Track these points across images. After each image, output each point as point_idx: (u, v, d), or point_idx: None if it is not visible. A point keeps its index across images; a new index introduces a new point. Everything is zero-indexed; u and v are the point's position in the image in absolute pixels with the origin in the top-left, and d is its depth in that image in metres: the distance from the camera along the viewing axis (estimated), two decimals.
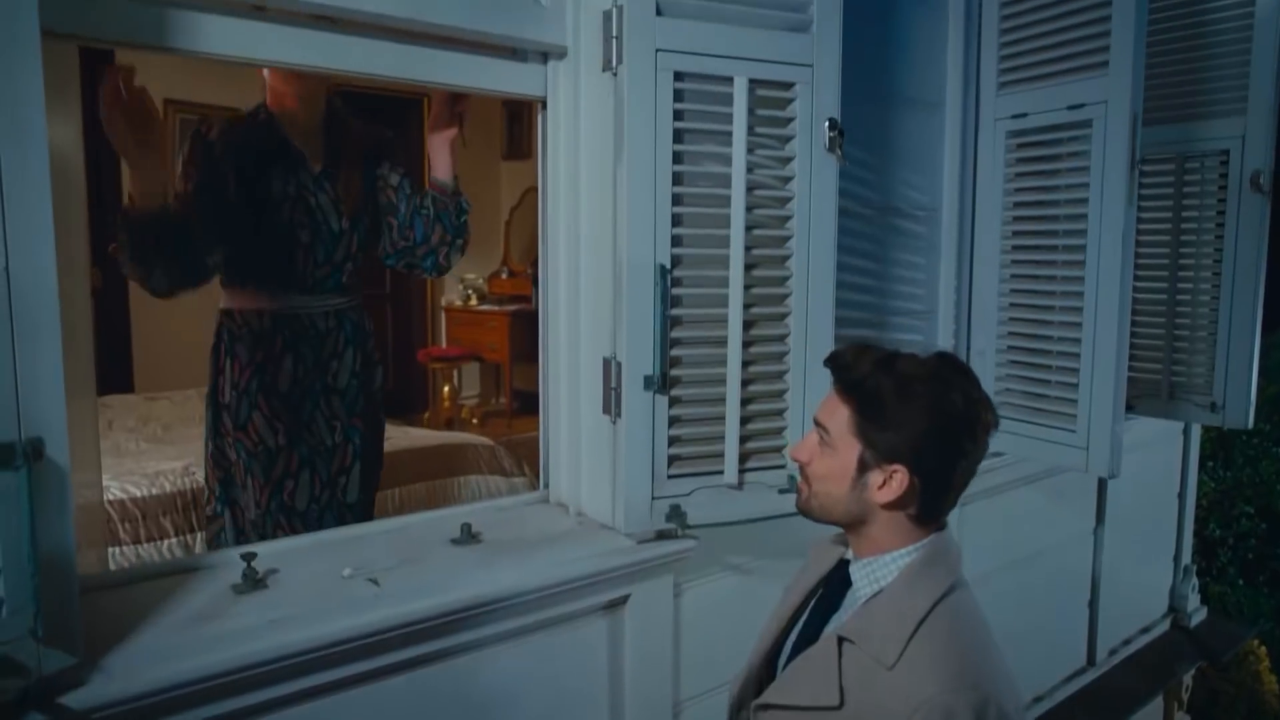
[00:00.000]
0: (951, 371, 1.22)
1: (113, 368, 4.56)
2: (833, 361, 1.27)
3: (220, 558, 1.54)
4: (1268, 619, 6.66)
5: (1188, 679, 3.81)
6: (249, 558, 1.47)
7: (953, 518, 1.31)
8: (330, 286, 2.12)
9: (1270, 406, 7.45)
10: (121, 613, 1.35)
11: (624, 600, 1.76)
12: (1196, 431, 3.85)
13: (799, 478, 1.30)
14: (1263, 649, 5.61)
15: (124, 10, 1.32)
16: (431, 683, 1.54)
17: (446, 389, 5.78)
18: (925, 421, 1.18)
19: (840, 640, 1.20)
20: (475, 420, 5.72)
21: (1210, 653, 3.64)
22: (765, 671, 1.38)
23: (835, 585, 1.32)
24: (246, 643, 1.32)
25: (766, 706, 1.29)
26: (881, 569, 1.24)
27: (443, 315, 6.27)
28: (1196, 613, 3.84)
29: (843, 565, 1.32)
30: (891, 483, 1.19)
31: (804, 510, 1.30)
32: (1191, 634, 3.71)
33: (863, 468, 1.21)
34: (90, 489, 1.56)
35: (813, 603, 1.36)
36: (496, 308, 5.86)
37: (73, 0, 1.27)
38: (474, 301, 6.07)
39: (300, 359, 2.07)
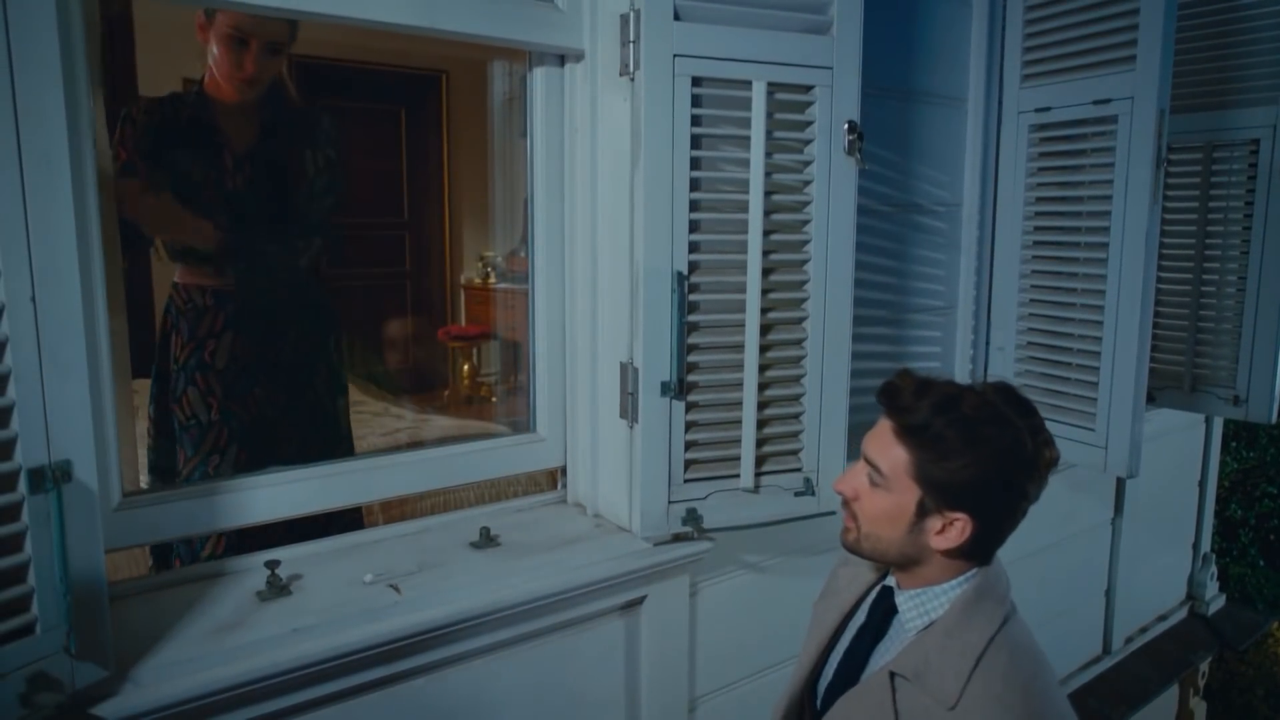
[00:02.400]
0: (1016, 410, 1.14)
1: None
2: (889, 400, 1.18)
3: (244, 563, 1.57)
4: None
5: (1204, 666, 3.82)
6: (273, 565, 1.50)
7: None
8: (271, 264, 2.13)
9: None
10: (149, 622, 1.38)
11: (640, 601, 1.78)
12: (1219, 419, 3.82)
13: (843, 512, 1.24)
14: None
15: None
16: (450, 685, 1.58)
17: (466, 367, 5.80)
18: (993, 468, 1.11)
19: (893, 676, 1.16)
20: (493, 399, 5.76)
21: (1227, 641, 3.64)
22: (807, 695, 1.35)
23: (878, 613, 1.27)
24: (271, 651, 1.35)
25: None
26: (931, 600, 1.20)
27: (461, 293, 6.28)
28: (1214, 600, 3.83)
29: (886, 591, 1.28)
30: (952, 530, 1.14)
31: (852, 549, 1.24)
32: (1209, 622, 3.71)
33: (921, 513, 1.15)
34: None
35: (853, 628, 1.32)
36: (515, 286, 5.86)
37: None
38: (493, 280, 6.08)
39: (240, 335, 2.10)
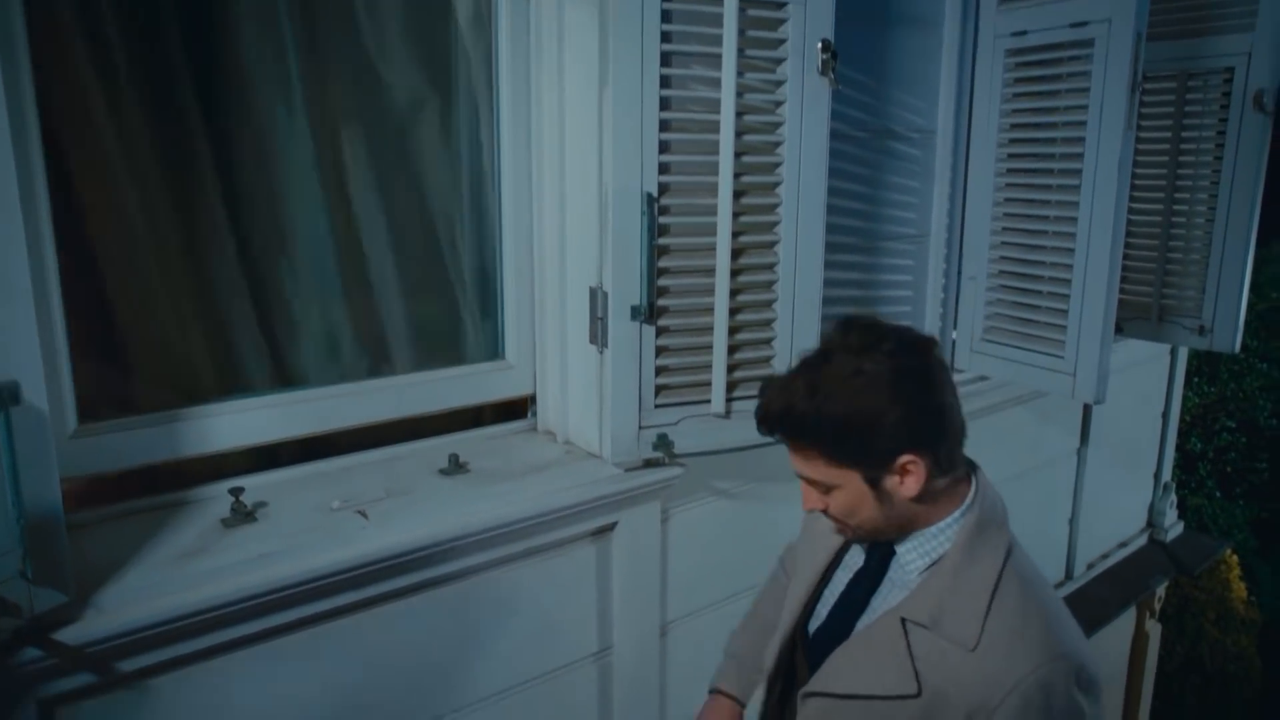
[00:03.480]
0: (866, 339, 1.12)
1: None
2: (764, 426, 1.16)
3: (207, 491, 1.54)
4: (1241, 530, 6.86)
5: (1161, 590, 3.93)
6: (237, 492, 1.47)
7: None
8: None
9: (1259, 323, 7.50)
10: (111, 550, 1.36)
11: (611, 527, 1.78)
12: (1184, 352, 3.87)
13: (830, 522, 1.22)
14: (1234, 558, 5.79)
15: None
16: (422, 610, 1.57)
17: None
18: (893, 406, 1.08)
19: (904, 622, 1.14)
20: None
21: (1183, 566, 3.74)
22: (800, 638, 1.32)
23: (875, 556, 1.24)
24: (237, 577, 1.34)
25: (818, 695, 1.21)
26: (930, 540, 1.17)
27: None
28: (1173, 528, 3.93)
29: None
30: (909, 475, 1.12)
31: (860, 543, 1.25)
32: (1167, 548, 3.80)
33: (875, 483, 1.13)
34: None
35: (845, 570, 1.29)
36: None
37: None
38: None
39: None
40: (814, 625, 1.29)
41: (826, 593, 1.30)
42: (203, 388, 1.60)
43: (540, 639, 1.75)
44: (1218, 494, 7.16)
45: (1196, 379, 7.20)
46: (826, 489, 1.15)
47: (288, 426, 1.61)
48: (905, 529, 1.18)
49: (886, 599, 1.21)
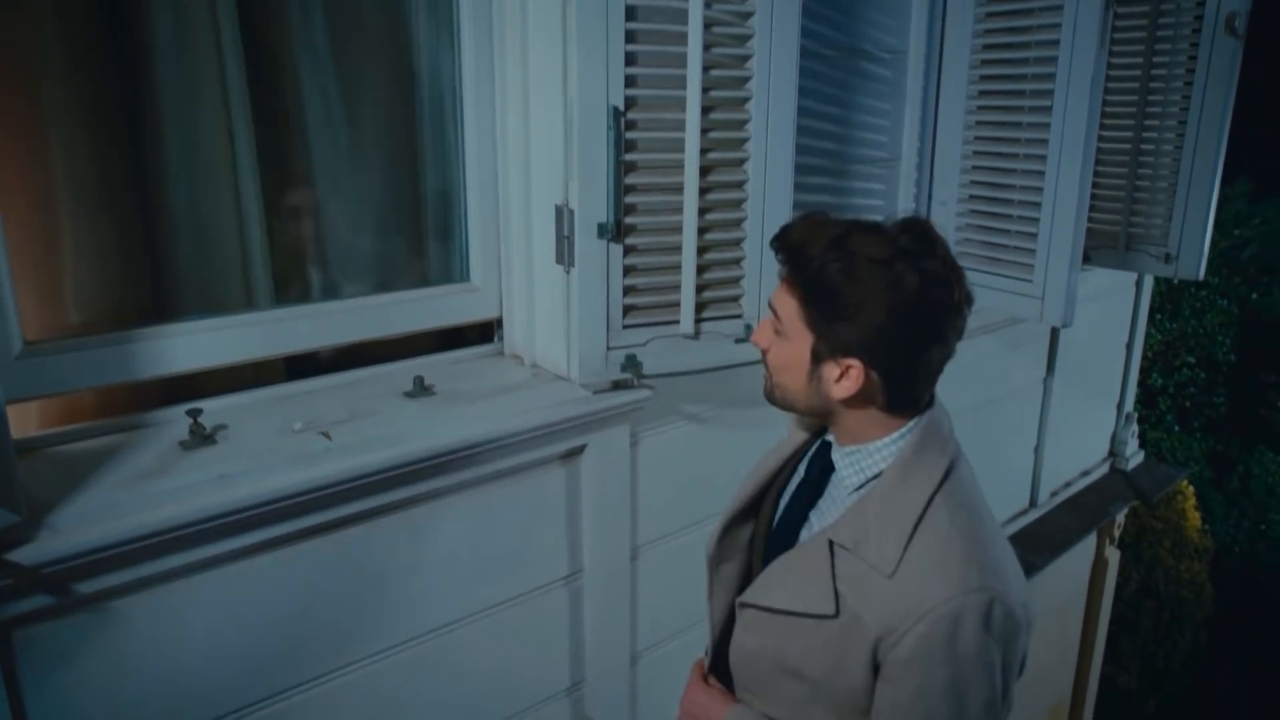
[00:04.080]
0: (918, 246, 1.06)
1: None
2: (780, 241, 1.12)
3: (165, 415, 1.50)
4: (1198, 462, 7.04)
5: (1120, 518, 4.03)
6: (195, 413, 1.44)
7: None
8: None
9: (1220, 260, 7.61)
10: (65, 472, 1.32)
11: (580, 450, 1.77)
12: (1149, 284, 3.91)
13: (763, 362, 1.20)
14: (1190, 489, 5.94)
15: None
16: (389, 533, 1.56)
17: None
18: (879, 312, 1.05)
19: (831, 544, 1.13)
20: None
21: (1143, 493, 3.82)
22: (760, 545, 1.33)
23: (815, 469, 1.25)
24: (197, 497, 1.31)
25: (750, 605, 1.22)
26: (867, 459, 1.16)
27: None
28: (1134, 457, 4.01)
29: (825, 447, 1.24)
30: (847, 378, 1.09)
31: (769, 399, 1.21)
32: (1127, 477, 3.89)
33: (816, 359, 1.11)
34: None
35: (794, 484, 1.29)
36: None
37: None
38: None
39: None
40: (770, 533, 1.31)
41: (782, 501, 1.31)
42: (155, 310, 1.55)
43: (510, 563, 1.75)
44: (1176, 428, 7.33)
45: (1159, 315, 7.31)
46: (780, 334, 1.15)
47: (245, 349, 1.56)
48: (821, 417, 1.20)
49: (824, 515, 1.21)
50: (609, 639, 1.95)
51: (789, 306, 1.12)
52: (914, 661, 1.06)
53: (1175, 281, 7.28)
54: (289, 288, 1.69)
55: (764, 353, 1.19)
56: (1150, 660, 5.64)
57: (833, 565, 1.12)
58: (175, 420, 1.49)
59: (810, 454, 1.29)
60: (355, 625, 1.56)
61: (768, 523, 1.32)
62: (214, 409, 1.52)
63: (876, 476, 1.15)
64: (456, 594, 1.68)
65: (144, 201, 1.54)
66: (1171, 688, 5.81)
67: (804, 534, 1.24)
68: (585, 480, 1.80)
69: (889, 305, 1.05)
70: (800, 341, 1.12)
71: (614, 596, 1.93)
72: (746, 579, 1.33)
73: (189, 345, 1.50)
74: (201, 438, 1.43)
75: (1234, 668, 6.24)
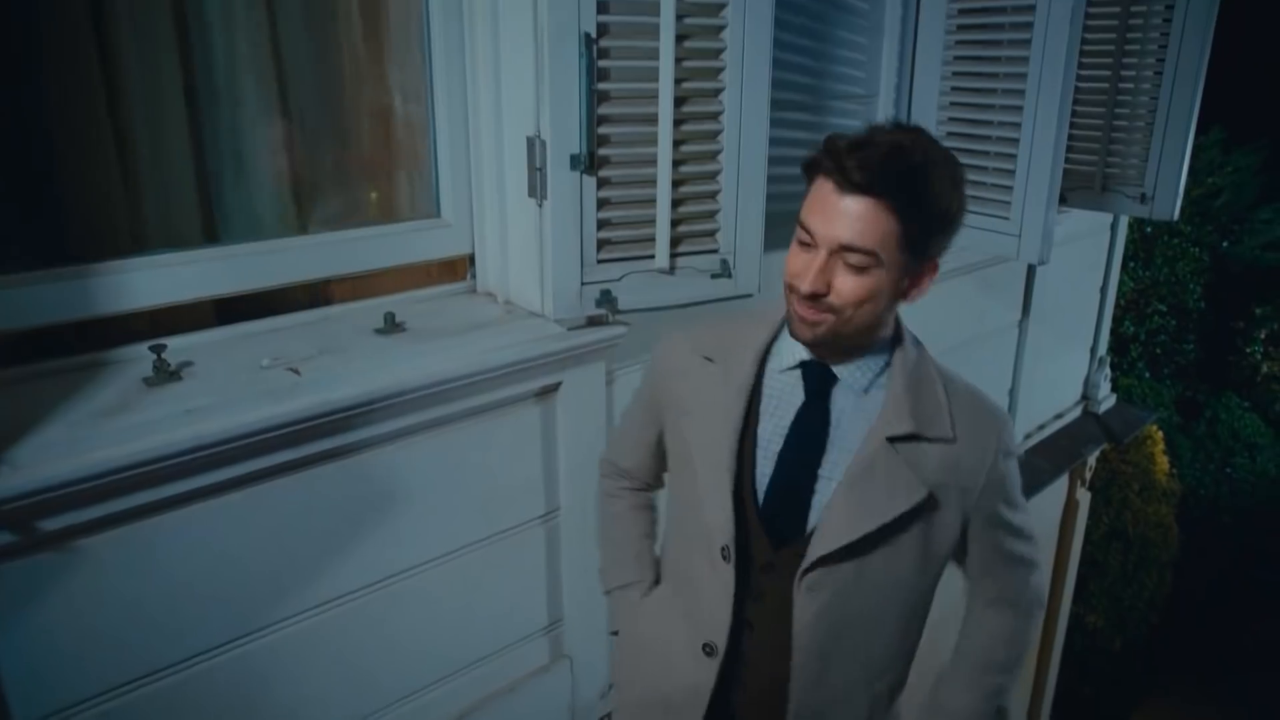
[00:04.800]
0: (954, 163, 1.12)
1: None
2: (871, 171, 1.03)
3: (127, 352, 1.46)
4: (1167, 408, 7.14)
5: (1092, 460, 4.08)
6: (159, 349, 1.40)
7: None
8: None
9: (1193, 208, 7.65)
10: (24, 409, 1.28)
11: (555, 388, 1.75)
12: (1123, 228, 3.92)
13: (803, 307, 1.11)
14: (1159, 434, 6.03)
15: None
16: (362, 471, 1.54)
17: None
18: (962, 210, 1.11)
19: (890, 440, 1.16)
20: None
21: (1114, 435, 3.88)
22: (748, 493, 1.22)
23: (814, 385, 1.20)
24: (164, 433, 1.27)
25: (821, 562, 1.15)
26: (875, 356, 1.19)
27: None
28: (1106, 400, 4.06)
29: (809, 364, 1.20)
30: (925, 280, 1.12)
31: (819, 340, 1.13)
32: (1099, 419, 3.93)
33: (908, 274, 1.10)
34: None
35: (779, 410, 1.21)
36: None
37: None
38: None
39: None
40: (761, 493, 1.21)
41: (759, 454, 1.22)
42: (118, 243, 1.50)
43: (486, 501, 1.73)
44: (1147, 375, 7.42)
45: (1132, 264, 7.37)
46: (860, 268, 1.07)
47: (209, 285, 1.52)
48: (860, 337, 1.15)
49: (845, 433, 1.18)
50: (587, 577, 1.95)
51: (881, 232, 1.05)
52: (1010, 485, 1.25)
53: (1150, 229, 7.33)
54: (252, 223, 1.64)
55: (820, 296, 1.09)
56: (1117, 600, 5.77)
57: (903, 458, 1.16)
58: (137, 358, 1.45)
59: (801, 375, 1.21)
60: (328, 565, 1.54)
61: (750, 476, 1.22)
62: (178, 347, 1.48)
63: (883, 370, 1.20)
64: (432, 532, 1.67)
65: (101, 133, 1.48)
66: (1136, 627, 5.96)
67: (825, 461, 1.19)
68: (561, 418, 1.78)
69: (964, 199, 1.12)
70: (894, 263, 1.07)
71: (591, 535, 1.93)
72: (740, 565, 1.23)
73: (150, 281, 1.45)
74: (166, 374, 1.39)
75: (1196, 606, 6.41)
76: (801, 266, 1.10)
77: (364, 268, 1.69)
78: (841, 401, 1.20)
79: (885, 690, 1.31)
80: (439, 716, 1.77)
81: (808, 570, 1.17)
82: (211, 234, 1.58)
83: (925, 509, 1.18)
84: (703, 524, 1.23)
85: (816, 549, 1.16)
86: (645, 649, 1.38)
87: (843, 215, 1.06)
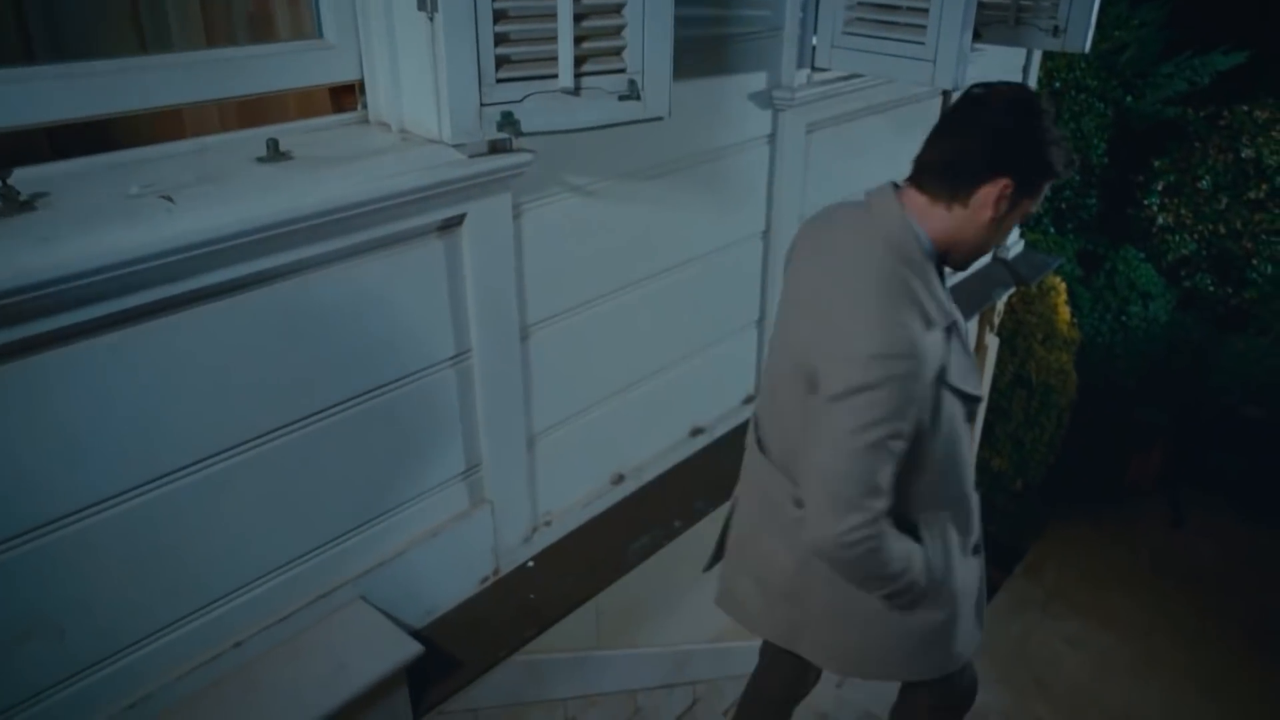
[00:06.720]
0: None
1: None
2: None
3: None
4: (1070, 261, 7.37)
5: (1000, 305, 4.19)
6: (4, 175, 1.25)
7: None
8: None
9: (1100, 63, 7.70)
10: None
11: (460, 220, 1.66)
12: (1035, 69, 3.91)
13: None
14: (1063, 285, 6.24)
15: None
16: (254, 309, 1.44)
17: None
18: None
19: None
20: None
21: (1022, 278, 3.97)
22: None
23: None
24: (15, 262, 1.15)
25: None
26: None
27: None
28: (1015, 246, 4.14)
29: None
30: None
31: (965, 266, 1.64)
32: (1008, 264, 4.02)
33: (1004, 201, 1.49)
34: None
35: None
36: None
37: None
38: None
39: None
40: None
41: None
42: None
43: (390, 342, 1.66)
44: (1051, 230, 7.61)
45: None
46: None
47: (59, 108, 1.35)
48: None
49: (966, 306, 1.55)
50: (503, 421, 1.92)
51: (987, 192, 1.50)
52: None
53: (1059, 84, 7.37)
54: (105, 39, 1.46)
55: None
56: (1019, 444, 6.08)
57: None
58: None
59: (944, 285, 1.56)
60: (227, 414, 1.46)
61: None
62: (29, 177, 1.34)
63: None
64: (334, 376, 1.59)
65: None
66: (1035, 468, 6.31)
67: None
68: (467, 253, 1.70)
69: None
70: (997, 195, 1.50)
71: (505, 377, 1.89)
72: None
73: None
74: (16, 204, 1.25)
75: (1086, 445, 6.82)
76: None
77: (233, 93, 1.53)
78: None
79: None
80: (360, 562, 1.74)
81: (978, 399, 1.61)
82: (28, 52, 1.39)
83: None
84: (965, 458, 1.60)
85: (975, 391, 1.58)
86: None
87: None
